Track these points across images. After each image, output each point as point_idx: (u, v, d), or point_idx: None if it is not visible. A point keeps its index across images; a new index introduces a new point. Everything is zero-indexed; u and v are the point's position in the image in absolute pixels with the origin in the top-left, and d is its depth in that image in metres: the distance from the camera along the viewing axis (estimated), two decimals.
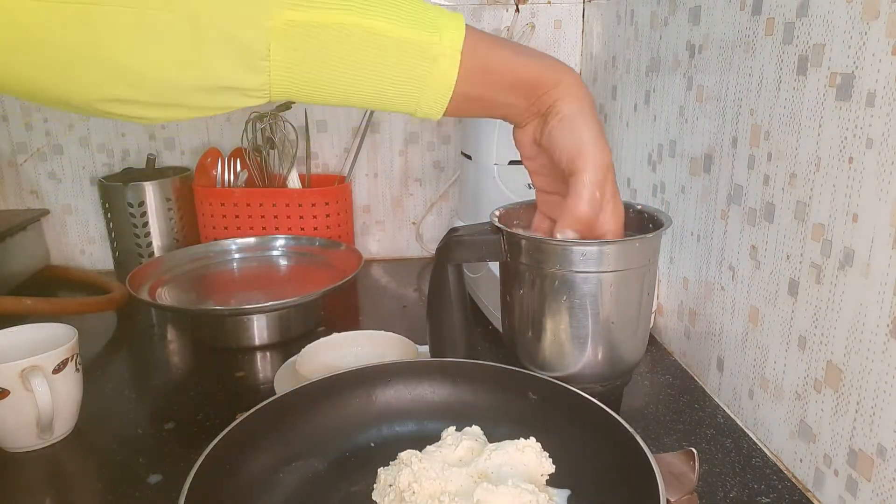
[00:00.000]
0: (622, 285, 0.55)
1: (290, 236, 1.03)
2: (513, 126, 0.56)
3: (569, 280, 0.54)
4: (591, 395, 0.51)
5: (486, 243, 0.58)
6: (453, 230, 0.59)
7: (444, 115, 0.50)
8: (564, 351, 0.57)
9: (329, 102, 0.48)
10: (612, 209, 0.53)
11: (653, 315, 0.82)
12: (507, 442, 0.49)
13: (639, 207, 0.62)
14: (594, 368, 0.57)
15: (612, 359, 0.57)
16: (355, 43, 0.44)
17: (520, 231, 0.58)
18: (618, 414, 0.48)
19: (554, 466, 0.48)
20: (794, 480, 0.55)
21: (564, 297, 0.55)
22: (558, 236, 0.52)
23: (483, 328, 0.84)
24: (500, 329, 0.79)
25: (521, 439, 0.49)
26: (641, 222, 0.61)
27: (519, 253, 0.56)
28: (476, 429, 0.53)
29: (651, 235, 0.56)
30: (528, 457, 0.48)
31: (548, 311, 0.56)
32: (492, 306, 0.82)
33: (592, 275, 0.54)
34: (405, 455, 0.48)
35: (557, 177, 0.55)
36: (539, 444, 0.49)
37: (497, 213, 0.61)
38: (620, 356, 0.58)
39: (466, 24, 0.48)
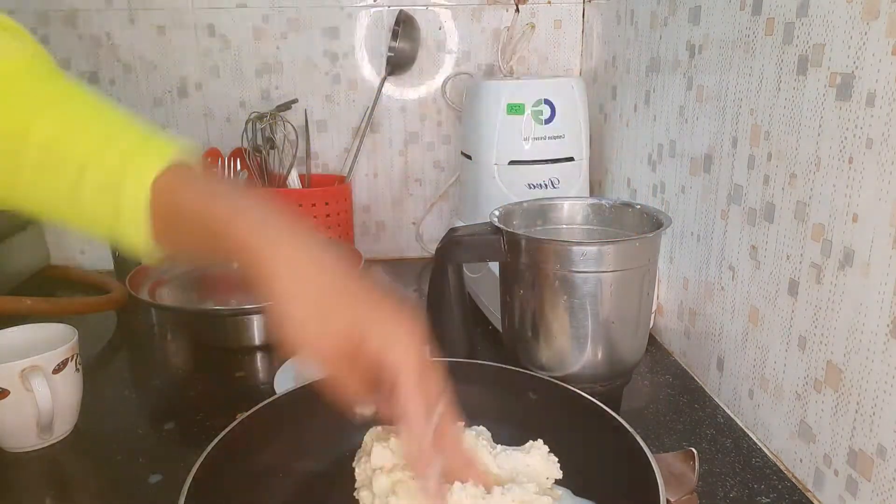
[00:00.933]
0: (621, 285, 0.55)
1: None
2: None
3: (568, 280, 0.54)
4: (590, 395, 0.51)
5: (485, 243, 0.58)
6: (452, 230, 0.59)
7: (157, 248, 0.43)
8: (564, 351, 0.57)
9: (31, 213, 0.45)
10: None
11: (653, 315, 0.82)
12: (514, 448, 0.49)
13: (638, 207, 0.62)
14: (594, 368, 0.57)
15: (611, 359, 0.57)
16: (52, 163, 0.41)
17: (520, 231, 0.58)
18: (618, 414, 0.48)
19: (561, 472, 0.48)
20: (794, 480, 0.55)
21: (564, 297, 0.55)
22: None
23: (483, 328, 0.83)
24: (500, 329, 0.79)
25: (530, 441, 0.49)
26: (641, 222, 0.61)
27: (518, 253, 0.56)
28: (482, 428, 0.52)
29: (650, 235, 0.56)
30: (533, 458, 0.48)
31: (547, 311, 0.56)
32: (492, 306, 0.82)
33: (592, 275, 0.54)
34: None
35: None
36: (546, 448, 0.49)
37: (497, 212, 0.61)
38: (620, 356, 0.58)
39: (182, 160, 0.42)
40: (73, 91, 0.45)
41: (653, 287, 0.60)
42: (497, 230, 0.57)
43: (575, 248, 0.53)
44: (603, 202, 0.69)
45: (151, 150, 0.42)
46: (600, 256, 0.53)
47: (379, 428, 0.51)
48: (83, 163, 0.41)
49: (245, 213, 0.40)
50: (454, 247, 0.58)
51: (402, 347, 0.39)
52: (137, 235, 0.42)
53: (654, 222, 0.60)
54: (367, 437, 0.50)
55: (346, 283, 0.40)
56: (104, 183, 0.41)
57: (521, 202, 0.64)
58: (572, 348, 0.56)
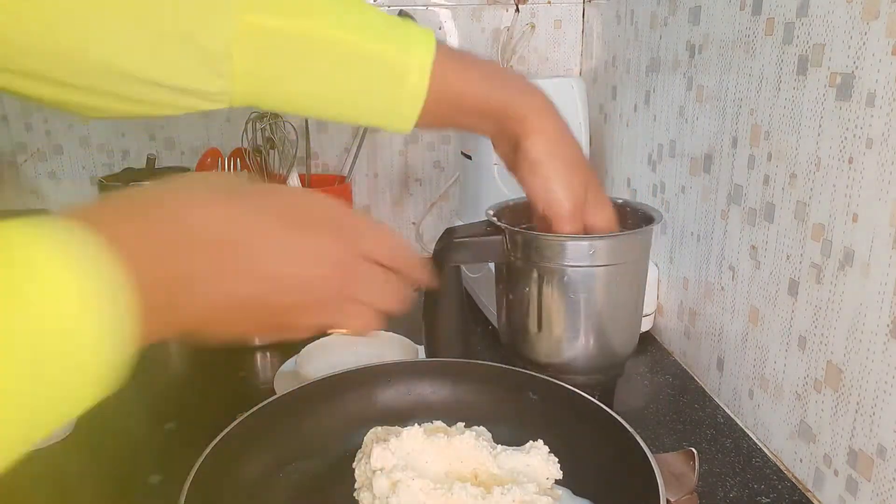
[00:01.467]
0: (613, 279, 0.56)
1: None
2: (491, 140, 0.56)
3: (561, 274, 0.55)
4: (583, 387, 0.51)
5: (484, 244, 0.58)
6: (449, 231, 0.59)
7: (416, 127, 0.50)
8: (557, 343, 0.57)
9: (295, 112, 0.48)
10: (600, 215, 0.55)
11: (653, 315, 0.82)
12: (514, 448, 0.49)
13: (623, 204, 0.62)
14: (587, 360, 0.58)
15: (602, 350, 0.58)
16: (320, 53, 0.43)
17: (517, 228, 0.58)
18: (615, 411, 0.48)
19: (561, 473, 0.48)
20: (794, 480, 0.55)
21: (556, 290, 0.55)
22: None
23: (483, 328, 0.83)
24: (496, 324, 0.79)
25: (530, 441, 0.49)
26: (636, 219, 0.61)
27: (514, 249, 0.57)
28: (482, 429, 0.52)
29: (643, 229, 0.57)
30: (533, 459, 0.48)
31: (541, 304, 0.57)
32: (491, 306, 0.82)
33: (584, 269, 0.55)
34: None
35: None
36: (546, 448, 0.49)
37: (491, 211, 0.61)
38: (611, 348, 0.59)
39: (438, 42, 0.47)
40: None
41: (644, 281, 0.61)
42: (497, 229, 0.57)
43: (569, 244, 0.54)
44: None
45: (424, 40, 0.46)
46: (592, 251, 0.54)
47: (379, 428, 0.51)
48: (360, 52, 0.44)
49: (510, 85, 0.50)
50: (452, 250, 0.58)
51: (608, 213, 0.55)
52: (410, 116, 0.47)
53: (647, 219, 0.60)
54: (367, 438, 0.50)
55: (579, 151, 0.54)
56: (386, 72, 0.45)
57: (514, 199, 0.64)
58: (563, 340, 0.57)
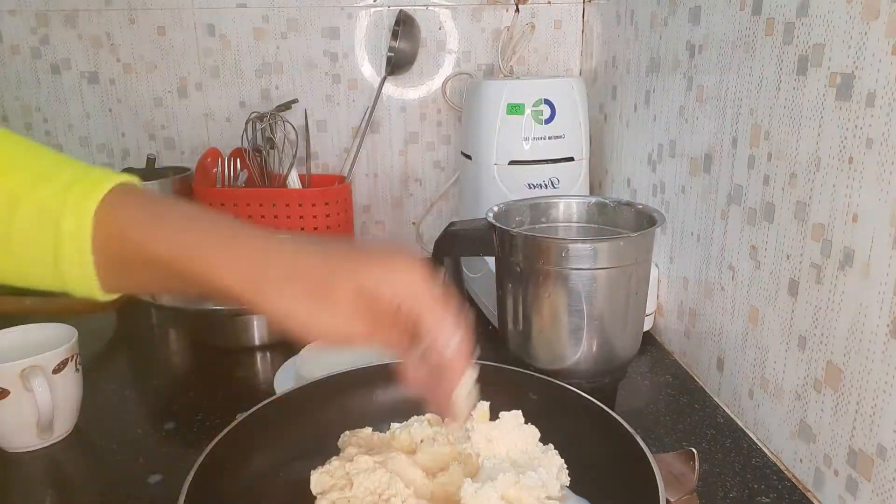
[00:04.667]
0: (614, 281, 0.55)
1: None
2: None
3: (560, 276, 0.55)
4: (585, 390, 0.51)
5: (482, 237, 0.58)
6: (451, 224, 0.59)
7: (107, 291, 0.39)
8: (557, 346, 0.57)
9: None
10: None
11: (653, 315, 0.82)
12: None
13: (626, 204, 0.62)
14: (588, 363, 0.58)
15: (605, 354, 0.58)
16: None
17: (512, 228, 0.58)
18: (616, 412, 0.48)
19: (538, 433, 0.48)
20: (794, 480, 0.55)
21: (556, 293, 0.55)
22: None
23: (483, 328, 0.83)
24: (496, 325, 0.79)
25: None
26: (637, 220, 0.61)
27: (512, 250, 0.56)
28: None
29: (646, 231, 0.57)
30: (511, 433, 0.48)
31: (540, 307, 0.56)
32: (491, 306, 0.82)
33: (584, 271, 0.54)
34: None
35: None
36: (518, 413, 0.49)
37: (494, 209, 0.61)
38: (613, 351, 0.58)
39: (126, 185, 0.38)
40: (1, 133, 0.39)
41: (646, 284, 0.60)
42: (491, 227, 0.57)
43: (568, 246, 0.54)
44: (605, 201, 0.70)
45: (91, 178, 0.37)
46: (593, 254, 0.54)
47: (348, 433, 0.51)
48: (14, 199, 0.36)
49: (194, 234, 0.37)
50: (451, 240, 0.58)
51: (407, 284, 0.38)
52: (82, 274, 0.37)
53: (649, 220, 0.60)
54: (340, 443, 0.51)
55: (326, 257, 0.38)
56: (39, 219, 0.36)
57: (521, 199, 0.64)
58: (566, 344, 0.57)
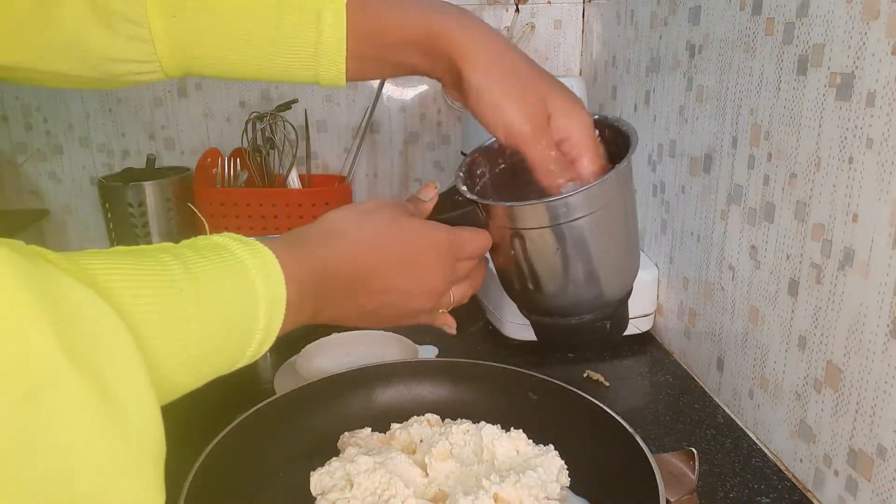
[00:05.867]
0: (599, 224, 0.50)
1: None
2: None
3: (542, 235, 0.50)
4: (595, 322, 0.51)
5: (458, 219, 0.54)
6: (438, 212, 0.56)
7: (348, 79, 0.47)
8: (557, 295, 0.53)
9: (229, 76, 0.46)
10: (571, 121, 0.48)
11: (653, 315, 0.82)
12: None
13: (598, 120, 0.56)
14: (592, 300, 0.53)
15: (608, 287, 0.53)
16: (232, 8, 0.43)
17: (488, 200, 0.53)
18: (616, 412, 0.48)
19: (570, 479, 0.48)
20: (794, 480, 0.55)
21: (543, 251, 0.51)
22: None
23: (483, 328, 0.83)
24: (500, 328, 0.79)
25: (541, 445, 0.49)
26: (611, 138, 0.56)
27: (489, 217, 0.52)
28: (494, 428, 0.52)
29: (617, 168, 0.50)
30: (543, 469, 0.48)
31: (532, 265, 0.52)
32: (491, 306, 0.82)
33: (564, 224, 0.50)
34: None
35: None
36: (560, 461, 0.48)
37: (462, 173, 0.57)
38: (615, 284, 0.53)
39: None
40: None
41: (633, 210, 0.54)
42: (468, 202, 0.53)
43: (539, 207, 0.48)
44: None
45: None
46: (565, 208, 0.48)
47: (347, 433, 0.52)
48: (279, 2, 0.43)
49: (432, 8, 0.46)
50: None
51: (581, 118, 0.48)
52: (334, 62, 0.45)
53: (623, 137, 0.54)
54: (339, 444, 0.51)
55: (530, 65, 0.48)
56: (300, 17, 0.43)
57: (488, 142, 0.60)
58: (566, 292, 0.52)
